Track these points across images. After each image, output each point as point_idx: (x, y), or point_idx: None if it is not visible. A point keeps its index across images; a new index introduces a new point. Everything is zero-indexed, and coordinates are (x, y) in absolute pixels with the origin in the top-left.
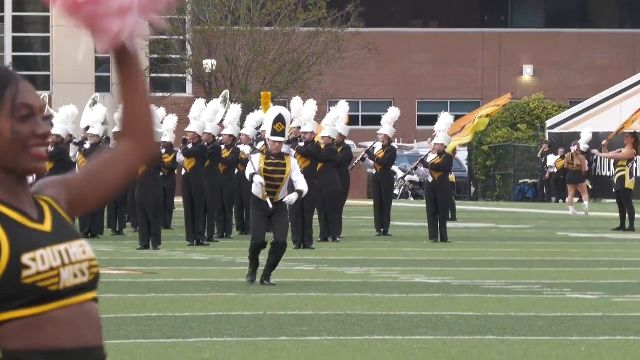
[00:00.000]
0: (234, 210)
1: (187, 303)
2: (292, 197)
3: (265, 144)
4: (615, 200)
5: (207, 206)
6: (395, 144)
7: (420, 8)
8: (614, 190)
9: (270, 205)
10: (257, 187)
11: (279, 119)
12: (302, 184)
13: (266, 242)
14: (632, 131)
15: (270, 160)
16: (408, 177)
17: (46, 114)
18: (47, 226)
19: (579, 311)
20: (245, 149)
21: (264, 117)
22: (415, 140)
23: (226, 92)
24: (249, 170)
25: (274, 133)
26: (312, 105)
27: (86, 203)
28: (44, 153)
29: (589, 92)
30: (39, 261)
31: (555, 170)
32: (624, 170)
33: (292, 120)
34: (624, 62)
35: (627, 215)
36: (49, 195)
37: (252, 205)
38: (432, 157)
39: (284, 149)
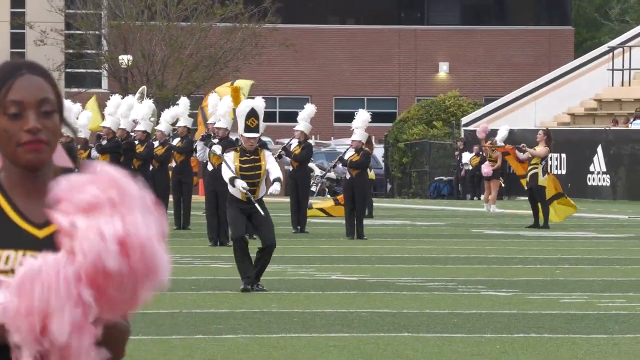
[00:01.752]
0: None
1: None
2: (275, 187)
3: (236, 142)
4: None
5: None
6: (312, 141)
7: (338, 5)
8: (526, 188)
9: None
10: (238, 191)
11: (252, 114)
12: (276, 171)
13: (247, 239)
14: (545, 128)
15: (245, 158)
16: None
17: (44, 108)
18: (42, 233)
19: (493, 308)
20: (216, 148)
21: (179, 113)
22: (332, 137)
23: (143, 87)
24: (226, 173)
25: (248, 129)
26: (227, 101)
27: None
28: (37, 144)
29: (505, 90)
30: (2, 259)
31: (470, 168)
32: (536, 167)
33: (209, 117)
34: (539, 59)
35: (540, 212)
36: None
37: (228, 203)
38: (349, 154)
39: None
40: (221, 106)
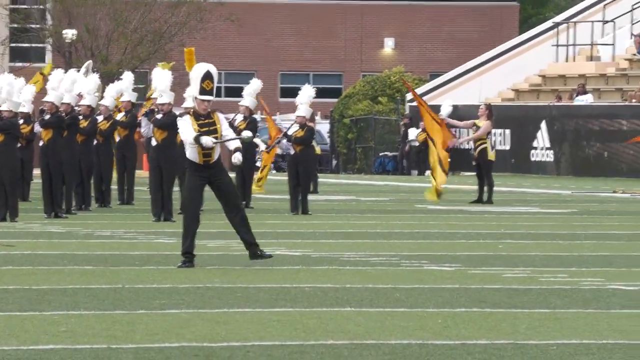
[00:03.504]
0: (92, 182)
1: (44, 276)
2: (237, 157)
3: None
4: (475, 173)
5: (65, 178)
6: (257, 116)
7: None
8: (473, 163)
9: (246, 135)
10: (202, 146)
11: (207, 76)
12: (234, 140)
13: (199, 218)
14: (487, 103)
15: (201, 122)
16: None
17: None
18: None
19: (436, 283)
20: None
21: (123, 88)
22: (277, 113)
23: (89, 62)
24: (188, 134)
25: (203, 91)
26: (168, 75)
27: None
28: None
29: (450, 65)
30: None
31: (417, 143)
32: (485, 142)
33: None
34: (484, 35)
35: (486, 187)
36: None
37: (188, 172)
38: (294, 130)
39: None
40: (162, 81)
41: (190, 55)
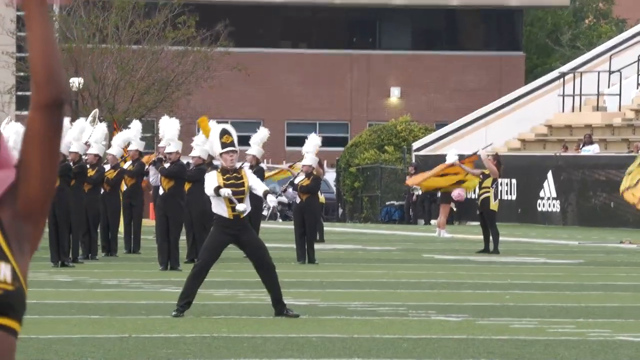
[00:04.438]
0: (99, 231)
1: (51, 325)
2: (271, 199)
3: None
4: (478, 223)
5: (72, 227)
6: (263, 165)
7: (289, 29)
8: (477, 212)
9: (242, 209)
10: (221, 202)
11: (224, 132)
12: (262, 185)
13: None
14: (495, 153)
15: (227, 176)
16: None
17: None
18: None
19: (444, 333)
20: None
21: (130, 136)
22: (284, 161)
23: (95, 111)
24: (208, 186)
25: (224, 145)
26: (175, 124)
27: (32, 200)
28: None
29: (456, 115)
30: None
31: (420, 193)
32: (488, 192)
33: (160, 140)
34: (490, 84)
35: (491, 237)
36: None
37: (215, 225)
38: (300, 179)
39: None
40: (170, 130)
41: (203, 123)
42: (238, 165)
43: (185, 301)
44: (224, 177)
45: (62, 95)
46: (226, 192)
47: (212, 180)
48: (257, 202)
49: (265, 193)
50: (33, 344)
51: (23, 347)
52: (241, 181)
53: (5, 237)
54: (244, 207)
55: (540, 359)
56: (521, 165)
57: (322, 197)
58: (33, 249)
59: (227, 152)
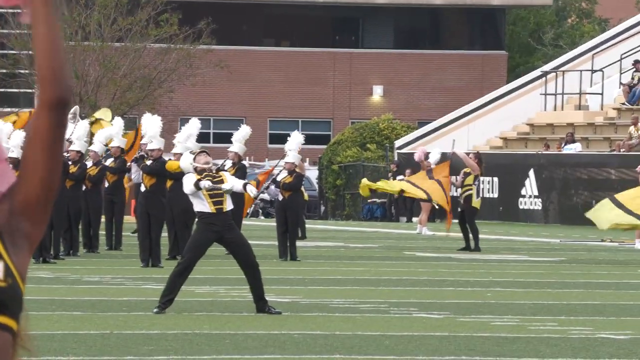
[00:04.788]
0: (80, 227)
1: (32, 321)
2: (250, 189)
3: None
4: (457, 221)
5: (53, 223)
6: (246, 162)
7: (272, 27)
8: (459, 209)
9: (227, 187)
10: (202, 198)
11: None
12: (239, 181)
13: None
14: (476, 152)
15: (205, 174)
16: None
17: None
18: None
19: (425, 330)
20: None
21: (112, 133)
22: (266, 159)
23: (76, 107)
24: (188, 185)
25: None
26: (157, 121)
27: (33, 198)
28: None
29: (438, 113)
30: None
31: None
32: (471, 189)
33: (141, 137)
34: (472, 83)
35: (471, 235)
36: None
37: (198, 223)
38: (282, 176)
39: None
40: (152, 127)
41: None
42: (219, 163)
43: (168, 298)
44: (208, 192)
45: (67, 95)
46: (206, 183)
47: (190, 178)
48: (239, 199)
49: (244, 185)
50: None
51: None
52: (220, 178)
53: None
54: (229, 185)
55: (522, 357)
56: (503, 164)
57: (305, 195)
58: (32, 246)
59: (199, 154)
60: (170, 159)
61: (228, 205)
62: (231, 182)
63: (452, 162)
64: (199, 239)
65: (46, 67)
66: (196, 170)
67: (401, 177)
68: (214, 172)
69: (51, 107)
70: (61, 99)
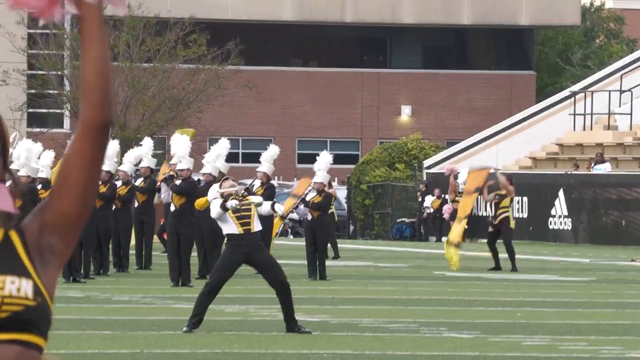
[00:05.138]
0: (110, 247)
1: (62, 341)
2: (278, 207)
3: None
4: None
5: (83, 242)
6: (275, 182)
7: (301, 47)
8: (489, 229)
9: (257, 200)
10: (229, 220)
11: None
12: (265, 203)
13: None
14: (508, 174)
15: (232, 198)
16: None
17: None
18: None
19: (455, 350)
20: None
21: (142, 154)
22: (295, 179)
23: None
24: (215, 208)
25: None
26: (186, 141)
27: (67, 217)
28: None
29: (466, 133)
30: None
31: (432, 210)
32: (507, 211)
33: (170, 158)
34: (500, 103)
35: (508, 255)
36: (25, 222)
37: (227, 245)
38: (311, 196)
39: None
40: (181, 147)
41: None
42: (248, 183)
43: (197, 319)
44: (233, 210)
45: (112, 118)
46: (232, 202)
47: (216, 203)
48: (267, 220)
49: (273, 204)
50: None
51: None
52: (246, 199)
53: (27, 253)
54: (258, 199)
55: None
56: (532, 183)
57: (335, 214)
58: (61, 264)
59: (224, 180)
60: (199, 179)
61: (256, 226)
62: (261, 209)
63: (488, 182)
64: (227, 261)
65: (95, 89)
66: (222, 195)
67: (429, 196)
68: (240, 195)
69: (97, 129)
70: (107, 122)
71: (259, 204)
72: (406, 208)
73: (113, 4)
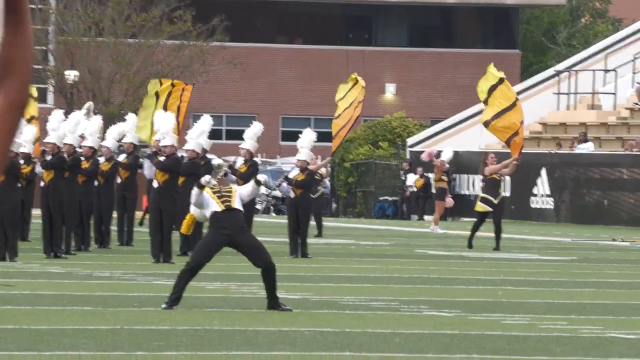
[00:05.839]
0: (92, 222)
1: (43, 316)
2: (261, 176)
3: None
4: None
5: (65, 218)
6: (258, 159)
7: (286, 24)
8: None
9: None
10: (210, 200)
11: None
12: (247, 185)
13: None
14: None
15: (215, 189)
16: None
17: None
18: None
19: (436, 328)
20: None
21: (126, 129)
22: (278, 156)
23: (90, 103)
24: (192, 194)
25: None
26: (171, 118)
27: None
28: None
29: (451, 112)
30: None
31: (415, 189)
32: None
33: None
34: None
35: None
36: None
37: (210, 225)
38: (294, 174)
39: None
40: (165, 123)
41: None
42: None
43: (176, 296)
44: (213, 191)
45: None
46: (206, 177)
47: (194, 190)
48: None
49: (255, 179)
50: (24, 335)
51: (15, 338)
52: (229, 190)
53: None
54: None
55: (533, 355)
56: None
57: (321, 190)
58: None
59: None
60: (182, 156)
61: (237, 203)
62: (242, 189)
63: (459, 163)
64: (209, 242)
65: (29, 68)
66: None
67: (412, 175)
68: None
69: (21, 108)
70: (28, 101)
71: (220, 167)
72: (389, 186)
73: None
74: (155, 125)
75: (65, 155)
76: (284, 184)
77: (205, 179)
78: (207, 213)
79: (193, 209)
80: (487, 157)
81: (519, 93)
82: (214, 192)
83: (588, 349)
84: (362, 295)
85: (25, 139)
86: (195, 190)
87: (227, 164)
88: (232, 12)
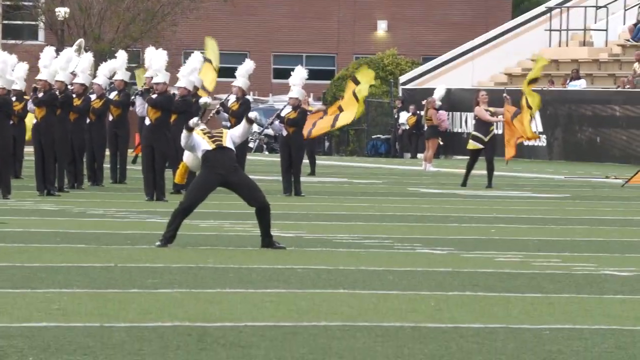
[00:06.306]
0: (84, 160)
1: (36, 253)
2: (253, 113)
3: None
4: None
5: (57, 156)
6: (250, 97)
7: None
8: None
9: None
10: (199, 139)
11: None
12: (239, 127)
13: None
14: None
15: (206, 130)
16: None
17: None
18: None
19: (429, 266)
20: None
21: (116, 66)
22: (270, 94)
23: (81, 40)
24: (182, 137)
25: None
26: (163, 55)
27: None
28: None
29: (443, 49)
30: None
31: (407, 127)
32: (494, 129)
33: (145, 70)
34: (477, 18)
35: (487, 172)
36: None
37: (203, 165)
38: (287, 111)
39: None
40: (157, 61)
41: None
42: (223, 97)
43: (170, 234)
44: (204, 132)
45: None
46: (194, 119)
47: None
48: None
49: (247, 118)
50: (18, 272)
51: (8, 275)
52: (219, 131)
53: None
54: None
55: (525, 292)
56: None
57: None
58: None
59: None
60: (174, 93)
61: (228, 143)
62: (234, 130)
63: (451, 100)
64: (202, 181)
65: None
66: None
67: (405, 112)
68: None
69: None
70: None
71: (207, 104)
72: (381, 124)
73: None
74: (147, 62)
75: (57, 93)
76: (276, 122)
77: (194, 121)
78: (199, 153)
79: (186, 157)
80: (479, 95)
81: (510, 30)
82: (205, 133)
83: (581, 286)
84: (355, 233)
85: (17, 75)
86: (184, 133)
87: (217, 102)
88: None
